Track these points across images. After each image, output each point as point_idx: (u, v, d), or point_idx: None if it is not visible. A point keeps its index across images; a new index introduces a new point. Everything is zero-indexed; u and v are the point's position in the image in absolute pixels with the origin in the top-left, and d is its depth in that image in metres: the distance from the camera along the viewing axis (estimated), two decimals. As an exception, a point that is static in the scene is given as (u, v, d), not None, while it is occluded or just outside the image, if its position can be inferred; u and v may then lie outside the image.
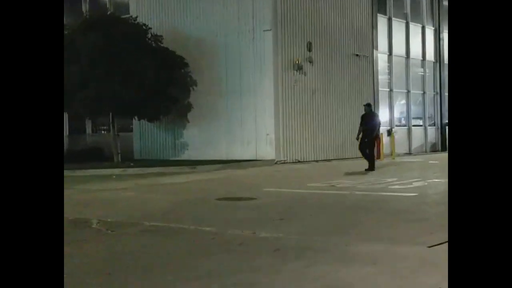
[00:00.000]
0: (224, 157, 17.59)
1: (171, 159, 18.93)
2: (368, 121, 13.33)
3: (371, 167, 13.31)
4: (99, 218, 6.94)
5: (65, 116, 20.25)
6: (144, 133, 20.05)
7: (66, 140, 21.01)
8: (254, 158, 17.05)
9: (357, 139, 13.64)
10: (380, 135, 18.77)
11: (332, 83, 18.70)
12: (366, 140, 13.17)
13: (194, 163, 15.87)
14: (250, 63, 17.33)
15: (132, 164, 15.97)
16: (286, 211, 7.33)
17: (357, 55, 19.51)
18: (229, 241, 5.35)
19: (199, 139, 18.61)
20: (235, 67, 17.71)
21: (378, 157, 18.51)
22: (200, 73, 18.46)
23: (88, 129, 21.34)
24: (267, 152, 16.97)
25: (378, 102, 20.45)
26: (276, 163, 16.68)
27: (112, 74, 15.87)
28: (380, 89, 20.73)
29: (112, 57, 15.84)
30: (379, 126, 13.66)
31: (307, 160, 17.55)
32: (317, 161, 17.74)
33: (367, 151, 13.32)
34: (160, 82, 16.92)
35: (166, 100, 17.44)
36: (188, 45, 18.29)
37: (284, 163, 16.88)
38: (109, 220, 6.84)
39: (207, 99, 18.32)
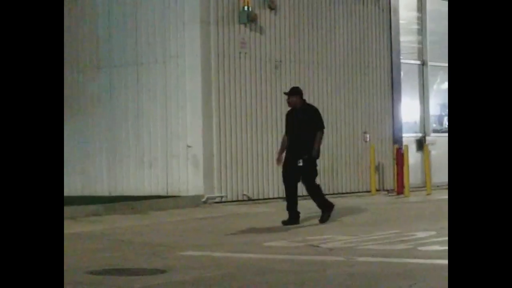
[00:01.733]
0: (104, 191, 17.56)
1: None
2: (302, 123, 12.85)
3: (326, 215, 12.91)
4: None
5: None
6: None
7: None
8: (164, 194, 17.07)
9: (278, 161, 13.21)
10: (404, 149, 19.08)
11: (313, 49, 18.95)
12: (301, 162, 12.68)
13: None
14: (154, 6, 17.35)
15: None
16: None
17: (360, -4, 19.90)
18: None
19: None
20: (126, 13, 17.70)
21: (401, 191, 18.81)
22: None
23: None
24: (189, 181, 16.99)
25: (399, 85, 20.81)
26: (205, 202, 16.74)
27: None
28: (403, 61, 21.15)
29: None
30: (322, 133, 13.08)
31: (266, 197, 17.68)
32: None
33: (306, 183, 12.88)
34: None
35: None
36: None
37: (222, 202, 16.98)
38: None
39: (66, 75, 18.16)
